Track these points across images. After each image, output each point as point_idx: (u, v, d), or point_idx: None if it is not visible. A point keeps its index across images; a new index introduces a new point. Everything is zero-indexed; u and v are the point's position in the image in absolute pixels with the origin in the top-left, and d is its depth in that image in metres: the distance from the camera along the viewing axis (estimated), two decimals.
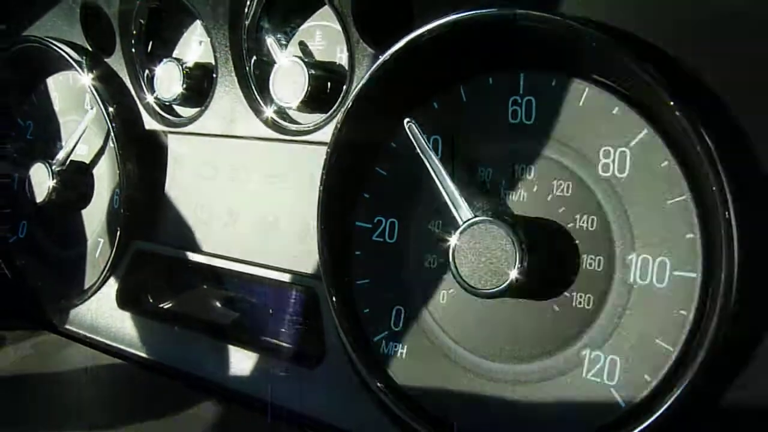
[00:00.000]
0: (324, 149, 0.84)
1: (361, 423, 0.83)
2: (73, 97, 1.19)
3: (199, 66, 1.04)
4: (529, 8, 0.69)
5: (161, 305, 1.09)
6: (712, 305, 0.63)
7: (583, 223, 0.72)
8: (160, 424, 0.86)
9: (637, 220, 0.69)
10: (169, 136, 1.10)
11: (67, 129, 1.20)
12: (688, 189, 0.66)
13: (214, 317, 1.02)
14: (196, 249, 1.04)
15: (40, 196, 1.13)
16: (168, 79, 1.03)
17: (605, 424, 0.69)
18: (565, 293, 0.72)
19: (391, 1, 0.82)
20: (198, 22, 1.03)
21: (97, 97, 1.08)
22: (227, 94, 0.98)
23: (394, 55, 0.78)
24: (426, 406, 0.79)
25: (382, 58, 0.79)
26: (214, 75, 0.99)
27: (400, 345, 0.82)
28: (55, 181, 1.12)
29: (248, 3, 0.95)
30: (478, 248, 0.71)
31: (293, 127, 0.94)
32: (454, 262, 0.72)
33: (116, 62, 1.11)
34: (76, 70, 1.10)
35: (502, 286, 0.69)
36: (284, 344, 0.93)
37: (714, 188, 0.61)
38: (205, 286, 1.04)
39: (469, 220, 0.72)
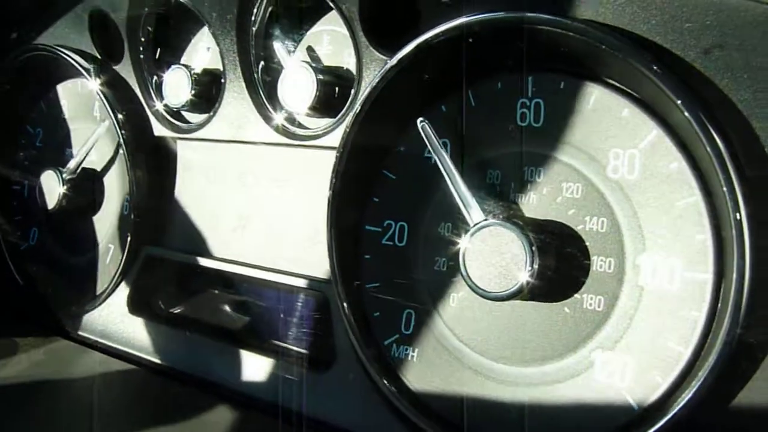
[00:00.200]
0: (333, 154, 0.84)
1: (372, 426, 0.84)
2: (82, 105, 1.20)
3: (207, 72, 1.04)
4: (536, 11, 0.70)
5: (172, 310, 1.09)
6: (724, 306, 0.63)
7: (593, 225, 0.72)
8: (172, 429, 0.86)
9: (647, 221, 0.69)
10: (178, 142, 1.10)
11: (76, 136, 1.21)
12: (699, 190, 0.66)
13: (225, 322, 1.02)
14: (206, 254, 1.04)
15: (51, 202, 1.14)
16: (176, 86, 1.03)
17: (617, 426, 0.69)
18: (576, 295, 0.72)
19: (399, 6, 0.83)
20: (206, 29, 1.03)
21: (106, 104, 1.08)
22: (235, 99, 0.98)
23: (402, 60, 0.78)
24: (437, 409, 0.80)
25: (390, 63, 0.79)
26: (223, 81, 0.99)
27: (411, 348, 0.82)
28: (65, 187, 1.13)
29: (256, 9, 0.95)
30: (489, 251, 0.71)
31: (302, 131, 0.95)
32: (465, 265, 0.72)
33: (125, 69, 1.11)
34: (85, 77, 1.11)
35: (513, 288, 0.69)
36: (295, 348, 0.94)
37: (724, 189, 0.61)
38: (215, 291, 1.05)
39: (478, 223, 0.72)
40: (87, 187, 1.15)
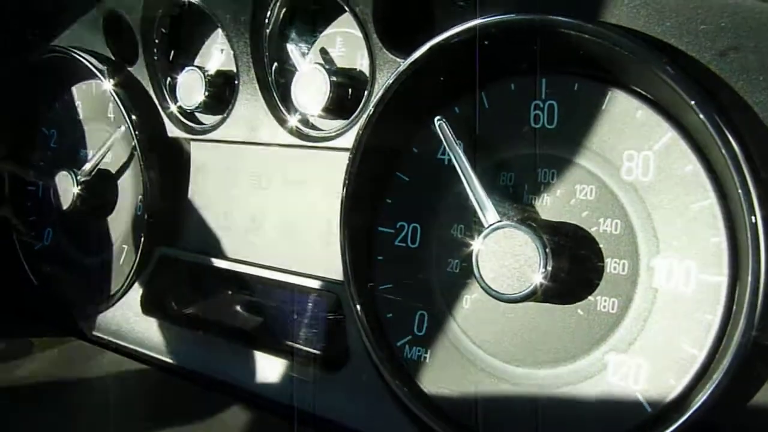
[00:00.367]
0: (346, 155, 0.84)
1: (384, 427, 0.84)
2: (96, 106, 1.21)
3: (220, 74, 1.05)
4: (550, 13, 0.70)
5: (185, 311, 1.09)
6: (739, 309, 0.63)
7: (606, 227, 0.72)
8: (184, 428, 0.87)
9: (661, 223, 0.69)
10: (192, 143, 1.11)
11: (91, 137, 1.22)
12: (713, 192, 0.66)
13: (238, 322, 1.03)
14: (220, 255, 1.05)
15: (65, 203, 1.14)
16: (190, 87, 1.04)
17: (630, 429, 0.68)
18: (590, 297, 0.72)
19: (412, 8, 0.83)
20: (219, 31, 1.04)
21: (121, 106, 1.09)
22: (249, 101, 0.99)
23: (415, 61, 0.78)
24: (449, 411, 0.79)
25: (404, 64, 0.79)
26: (236, 82, 1.00)
27: (424, 350, 0.82)
28: (80, 188, 1.13)
29: (269, 11, 0.96)
30: (502, 253, 0.71)
31: (315, 133, 0.95)
32: (478, 267, 0.72)
33: (139, 71, 1.12)
34: (100, 79, 1.11)
35: (527, 290, 0.69)
36: (307, 349, 0.94)
37: (740, 192, 0.61)
38: (228, 292, 1.05)
39: (492, 224, 0.72)
40: (101, 188, 1.16)
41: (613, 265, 0.71)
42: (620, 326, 0.70)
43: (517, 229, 0.70)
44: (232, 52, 0.99)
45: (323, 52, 0.96)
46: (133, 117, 1.09)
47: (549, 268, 0.68)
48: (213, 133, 1.04)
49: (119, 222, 1.17)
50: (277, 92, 0.98)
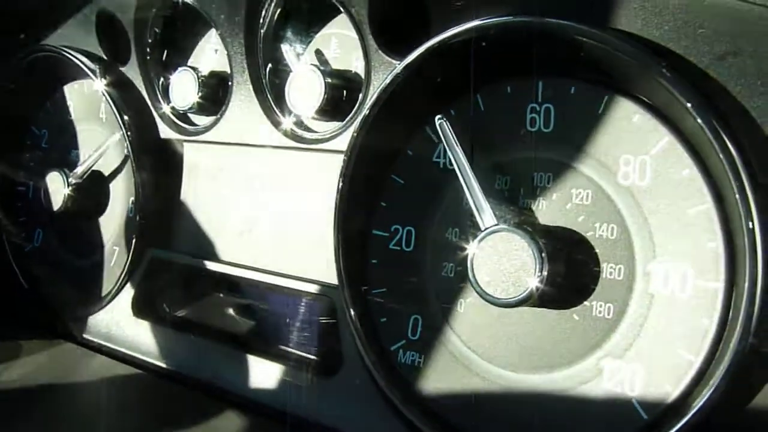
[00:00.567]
0: (340, 157, 0.84)
1: None
2: (88, 106, 1.20)
3: (214, 74, 1.04)
4: (547, 16, 0.69)
5: (176, 313, 1.08)
6: (735, 315, 0.62)
7: (603, 231, 0.71)
8: None
9: (658, 228, 0.68)
10: (185, 144, 1.10)
11: (82, 138, 1.20)
12: (710, 197, 0.65)
13: (230, 326, 1.02)
14: (212, 257, 1.04)
15: (56, 204, 1.13)
16: (183, 88, 1.03)
17: None
18: (585, 302, 0.72)
19: (408, 9, 0.82)
20: (213, 31, 1.03)
21: (113, 106, 1.08)
22: (243, 102, 0.98)
23: (411, 63, 0.78)
24: (444, 416, 0.79)
25: (399, 66, 0.78)
26: (230, 83, 0.99)
27: (418, 354, 0.82)
28: (71, 189, 1.12)
29: (264, 11, 0.95)
30: (498, 257, 0.70)
31: (309, 135, 0.94)
32: (473, 271, 0.71)
33: (131, 71, 1.11)
34: (92, 78, 1.10)
35: (522, 295, 0.69)
36: (301, 353, 0.93)
37: (737, 197, 0.60)
38: (220, 295, 1.04)
39: (487, 228, 0.71)
40: (92, 189, 1.15)
41: (609, 270, 0.71)
42: (616, 332, 0.70)
43: (513, 232, 0.69)
44: (226, 53, 0.98)
45: (318, 53, 0.95)
46: (126, 117, 1.08)
47: (545, 273, 0.68)
48: (206, 135, 1.04)
49: (110, 223, 1.16)
50: (271, 93, 0.98)
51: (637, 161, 0.70)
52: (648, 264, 0.69)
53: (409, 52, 0.78)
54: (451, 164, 0.80)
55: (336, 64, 0.93)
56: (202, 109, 1.04)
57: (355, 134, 0.82)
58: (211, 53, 1.06)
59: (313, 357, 0.92)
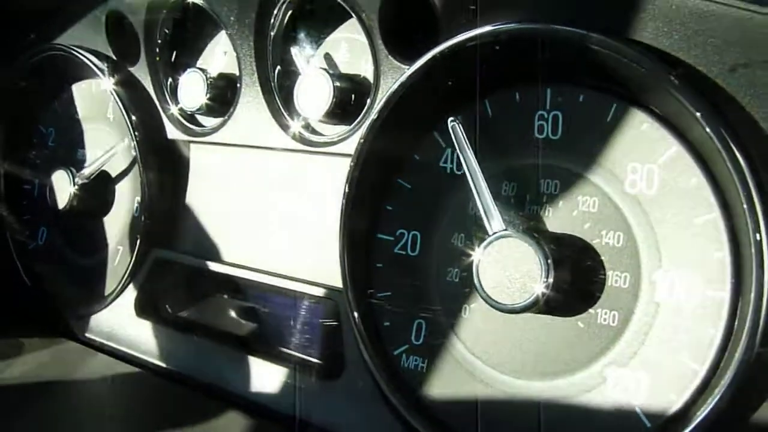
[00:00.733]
0: (347, 161, 0.84)
1: None
2: (96, 106, 1.20)
3: (223, 76, 1.04)
4: (557, 23, 0.69)
5: (179, 314, 1.08)
6: (741, 324, 0.62)
7: (609, 239, 0.71)
8: None
9: (664, 237, 0.68)
10: (192, 145, 1.10)
11: (89, 137, 1.21)
12: (718, 207, 0.65)
13: (233, 327, 1.01)
14: (216, 258, 1.04)
15: (61, 202, 1.13)
16: (192, 89, 1.03)
17: None
18: (590, 310, 0.72)
19: (418, 15, 0.82)
20: (223, 32, 1.03)
21: (121, 106, 1.08)
22: (251, 104, 0.98)
23: (420, 68, 0.78)
24: (446, 421, 0.79)
25: (408, 71, 0.79)
26: (238, 85, 0.99)
27: (421, 359, 0.82)
28: (76, 188, 1.12)
29: (275, 14, 0.95)
30: (503, 263, 0.70)
31: (317, 138, 0.95)
32: (478, 277, 0.71)
33: (140, 71, 1.11)
34: (100, 78, 1.11)
35: (527, 301, 0.68)
36: (304, 356, 0.93)
37: (745, 207, 0.60)
38: (224, 296, 1.04)
39: (494, 233, 0.71)
40: (98, 188, 1.15)
41: (614, 278, 0.71)
42: (621, 340, 0.70)
43: (519, 238, 0.69)
44: (235, 55, 0.98)
45: (327, 57, 0.95)
46: (133, 118, 1.08)
47: (551, 280, 0.68)
48: (213, 136, 1.04)
49: (115, 223, 1.16)
50: (280, 96, 0.98)
51: (645, 170, 0.70)
52: (654, 272, 0.69)
53: (418, 57, 0.78)
54: (459, 169, 0.81)
55: (345, 68, 0.94)
56: (210, 110, 1.04)
57: (362, 138, 0.82)
58: (220, 55, 1.06)
59: (315, 360, 0.92)
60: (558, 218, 0.74)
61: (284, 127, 0.96)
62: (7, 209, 1.28)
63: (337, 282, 0.85)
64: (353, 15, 0.87)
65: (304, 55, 0.96)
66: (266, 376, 0.93)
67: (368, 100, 0.88)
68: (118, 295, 1.11)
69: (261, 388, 0.93)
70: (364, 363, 0.83)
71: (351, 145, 0.85)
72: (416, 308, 0.82)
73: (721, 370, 0.63)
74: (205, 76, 1.02)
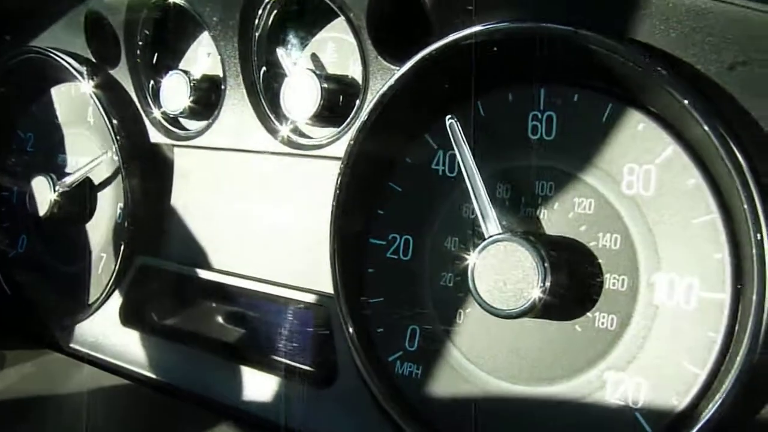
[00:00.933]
0: (337, 164, 0.82)
1: None
2: (75, 110, 1.18)
3: (206, 78, 1.02)
4: (551, 21, 0.68)
5: (165, 322, 1.06)
6: (742, 327, 0.61)
7: (606, 241, 0.70)
8: None
9: (662, 239, 0.67)
10: (175, 149, 1.08)
11: (69, 142, 1.18)
12: (717, 207, 0.64)
13: (221, 335, 1.00)
14: (203, 265, 1.02)
15: (42, 209, 1.11)
16: (174, 92, 1.01)
17: None
18: (588, 314, 0.71)
19: (408, 14, 0.81)
20: (206, 33, 1.01)
21: (101, 109, 1.06)
22: (236, 107, 0.96)
23: (411, 69, 0.76)
24: (442, 429, 0.77)
25: (399, 72, 0.77)
26: (223, 87, 0.97)
27: (415, 365, 0.80)
28: (57, 194, 1.10)
29: (259, 14, 0.93)
30: (498, 267, 0.69)
31: (304, 141, 0.93)
32: (474, 281, 0.70)
33: (121, 74, 1.09)
34: (79, 81, 1.08)
35: (524, 306, 0.67)
36: (295, 364, 0.91)
37: (745, 206, 0.59)
38: (211, 303, 1.02)
39: (489, 237, 0.70)
40: (80, 195, 1.13)
41: (612, 281, 0.70)
42: (619, 344, 0.69)
43: (515, 242, 0.68)
44: (219, 56, 0.96)
45: (314, 57, 0.93)
46: (114, 121, 1.06)
47: (548, 284, 0.67)
48: (198, 140, 1.02)
49: (98, 229, 1.14)
50: (266, 98, 0.96)
51: (642, 170, 0.68)
52: (652, 275, 0.68)
53: (408, 58, 0.76)
54: (451, 171, 0.79)
55: (333, 69, 0.92)
56: (193, 113, 1.02)
57: (352, 141, 0.81)
58: (203, 56, 1.04)
59: (307, 368, 0.90)
60: (554, 220, 0.73)
61: (270, 130, 0.94)
62: None
63: (329, 288, 0.84)
64: (340, 14, 0.85)
65: (291, 56, 0.94)
66: (256, 386, 0.91)
67: (357, 102, 0.86)
68: (102, 304, 1.09)
69: (251, 397, 0.91)
70: (356, 370, 0.81)
71: (340, 148, 0.84)
72: (410, 314, 0.81)
73: (723, 373, 0.62)
74: (188, 78, 1.00)
